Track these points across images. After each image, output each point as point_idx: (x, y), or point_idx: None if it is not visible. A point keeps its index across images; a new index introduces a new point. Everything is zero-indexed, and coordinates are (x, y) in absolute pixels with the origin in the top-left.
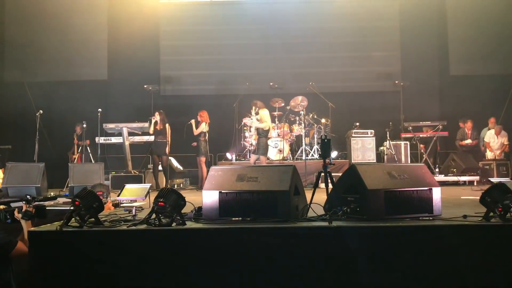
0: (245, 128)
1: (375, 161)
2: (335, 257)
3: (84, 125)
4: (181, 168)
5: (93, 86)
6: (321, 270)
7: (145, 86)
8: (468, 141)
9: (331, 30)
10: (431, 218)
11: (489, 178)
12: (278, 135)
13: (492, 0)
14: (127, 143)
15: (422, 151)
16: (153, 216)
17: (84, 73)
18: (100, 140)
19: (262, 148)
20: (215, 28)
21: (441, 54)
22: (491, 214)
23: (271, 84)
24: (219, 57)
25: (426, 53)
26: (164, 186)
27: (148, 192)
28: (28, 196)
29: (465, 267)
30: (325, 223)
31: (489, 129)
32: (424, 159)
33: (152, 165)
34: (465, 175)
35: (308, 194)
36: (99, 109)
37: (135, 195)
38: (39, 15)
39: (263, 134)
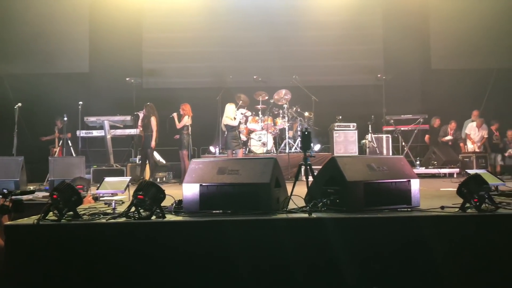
0: None
1: (357, 153)
2: (315, 248)
3: (65, 119)
4: (163, 161)
5: (74, 78)
6: (301, 261)
7: (127, 78)
8: (449, 137)
9: (315, 23)
10: (409, 209)
11: (467, 170)
12: (262, 128)
13: None
14: (108, 136)
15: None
16: (133, 209)
17: (65, 65)
18: (82, 133)
19: (229, 142)
20: (199, 20)
21: (423, 48)
22: (467, 205)
23: (255, 77)
24: (202, 49)
25: (408, 47)
26: (147, 179)
27: (127, 185)
28: (4, 190)
29: (442, 257)
30: (305, 215)
31: (472, 121)
32: (405, 151)
33: (139, 157)
34: (445, 168)
35: (290, 187)
36: (80, 102)
37: (114, 188)
38: (17, 7)
39: (231, 129)
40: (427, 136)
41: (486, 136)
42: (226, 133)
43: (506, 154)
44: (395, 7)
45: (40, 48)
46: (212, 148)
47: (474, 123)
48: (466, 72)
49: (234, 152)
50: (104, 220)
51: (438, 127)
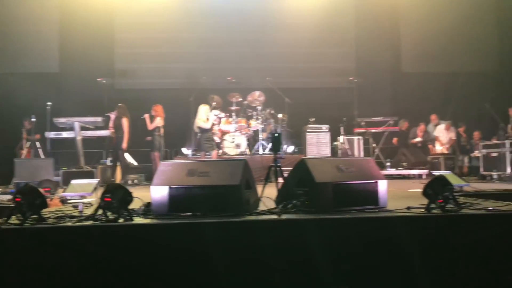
0: None
1: (330, 155)
2: (284, 249)
3: (33, 119)
4: (135, 163)
5: (44, 78)
6: (272, 263)
7: (98, 79)
8: (418, 139)
9: (288, 26)
10: (376, 210)
11: (432, 172)
12: (236, 130)
13: (442, 0)
14: (79, 137)
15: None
16: (100, 212)
17: (34, 65)
18: (51, 135)
19: (202, 144)
20: (172, 21)
21: (394, 51)
22: (433, 205)
23: (228, 78)
24: (175, 50)
25: (379, 50)
26: (119, 181)
27: (95, 188)
28: None
29: (408, 256)
30: (275, 216)
31: (436, 125)
32: (375, 153)
33: (110, 159)
34: (415, 169)
35: (262, 188)
36: (49, 103)
37: (82, 191)
38: None
39: (204, 131)
40: (395, 139)
41: (454, 138)
42: (199, 135)
43: (473, 155)
44: (367, 11)
45: (7, 47)
46: (185, 150)
47: (443, 126)
48: (435, 76)
49: (207, 154)
50: (70, 223)
51: (406, 130)
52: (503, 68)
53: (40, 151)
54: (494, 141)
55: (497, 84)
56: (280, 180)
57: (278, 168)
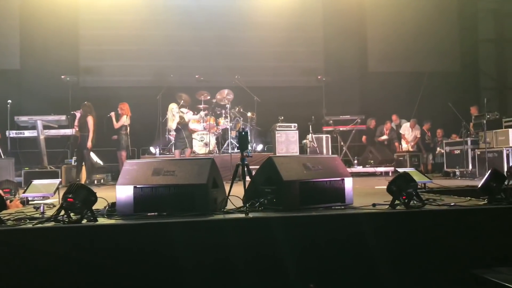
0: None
1: (298, 153)
2: (251, 247)
3: None
4: (101, 163)
5: (4, 76)
6: (238, 262)
7: (62, 76)
8: (385, 137)
9: (257, 24)
10: (343, 207)
11: (396, 168)
12: (204, 128)
13: (407, 1)
14: (42, 137)
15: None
16: (62, 213)
17: None
18: (12, 133)
19: (176, 142)
20: (138, 18)
21: (361, 51)
22: (397, 202)
23: (196, 76)
24: (142, 47)
25: (347, 50)
26: (84, 181)
27: (57, 188)
28: None
29: (374, 251)
30: (242, 215)
31: (397, 125)
32: (344, 151)
33: (74, 159)
34: (381, 166)
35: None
36: (9, 101)
37: (43, 191)
38: None
39: (177, 130)
40: (364, 137)
41: (419, 136)
42: (172, 133)
43: (437, 152)
44: (335, 11)
45: None
46: (152, 149)
47: (408, 124)
48: (401, 75)
49: (182, 154)
50: (30, 225)
51: (373, 128)
52: (464, 68)
53: (0, 151)
54: (455, 138)
55: (459, 84)
56: (248, 179)
57: (245, 167)
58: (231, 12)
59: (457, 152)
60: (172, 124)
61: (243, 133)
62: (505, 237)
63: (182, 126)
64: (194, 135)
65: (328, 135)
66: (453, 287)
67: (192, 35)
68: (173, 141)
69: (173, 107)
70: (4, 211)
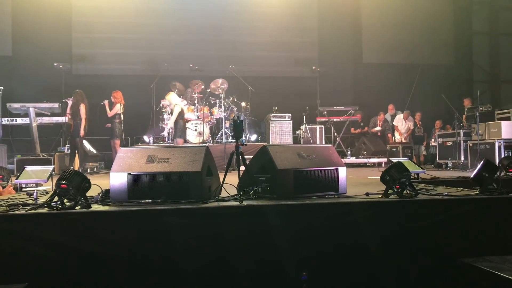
0: (163, 110)
1: (292, 143)
2: (245, 235)
3: None
4: (94, 151)
5: None
6: (232, 249)
7: (55, 64)
8: (378, 128)
9: (253, 14)
10: (336, 195)
11: (390, 158)
12: (198, 117)
13: None
14: (34, 124)
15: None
16: (56, 199)
17: None
18: (4, 121)
19: (179, 130)
20: (131, 5)
21: (355, 42)
22: (390, 191)
23: (191, 65)
24: (136, 36)
25: (342, 41)
26: (76, 169)
27: (50, 174)
28: None
29: (367, 240)
30: (236, 203)
31: (393, 115)
32: (337, 142)
33: (67, 147)
34: (375, 157)
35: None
36: (0, 87)
37: (36, 178)
38: None
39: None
40: (352, 129)
41: (412, 127)
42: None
43: (432, 144)
44: (329, 2)
45: None
46: (146, 138)
47: (401, 115)
48: (395, 67)
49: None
50: (23, 211)
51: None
52: (458, 61)
53: None
54: (449, 130)
55: (452, 76)
56: (242, 167)
57: (239, 155)
58: (225, 1)
59: (449, 143)
60: (174, 112)
61: (238, 121)
62: (496, 226)
63: (182, 115)
64: (188, 124)
65: (322, 126)
66: (444, 276)
67: (186, 24)
68: (166, 130)
69: (172, 97)
70: None
